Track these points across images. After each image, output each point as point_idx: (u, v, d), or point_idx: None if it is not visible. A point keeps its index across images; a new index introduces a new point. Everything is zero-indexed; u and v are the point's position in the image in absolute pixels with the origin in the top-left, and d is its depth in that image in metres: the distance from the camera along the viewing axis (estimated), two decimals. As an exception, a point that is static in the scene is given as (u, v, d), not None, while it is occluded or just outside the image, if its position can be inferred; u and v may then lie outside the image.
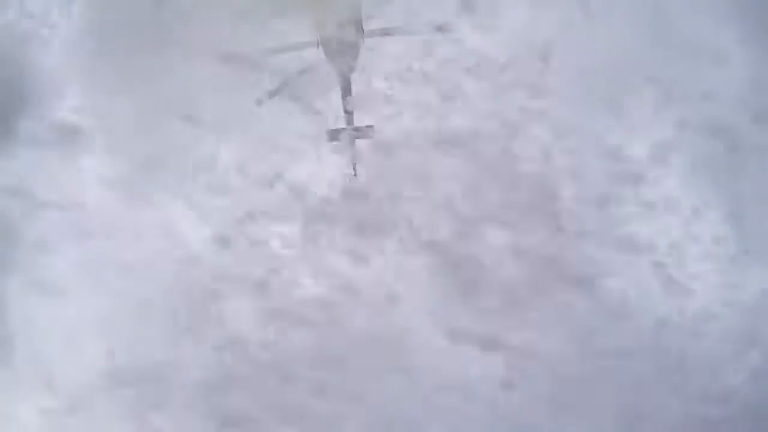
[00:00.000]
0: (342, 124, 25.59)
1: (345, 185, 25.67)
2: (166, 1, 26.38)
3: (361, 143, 25.84)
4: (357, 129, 24.73)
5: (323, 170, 26.00)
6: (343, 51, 23.18)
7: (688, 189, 28.70)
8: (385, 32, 23.35)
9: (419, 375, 26.34)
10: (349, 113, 24.25)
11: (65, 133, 28.71)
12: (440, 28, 23.66)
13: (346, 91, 23.97)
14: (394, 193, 26.26)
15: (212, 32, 27.44)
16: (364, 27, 23.20)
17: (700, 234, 28.74)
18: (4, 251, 29.07)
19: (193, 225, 27.58)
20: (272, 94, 24.31)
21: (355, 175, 24.13)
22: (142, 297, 27.31)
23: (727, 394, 26.46)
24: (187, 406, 27.28)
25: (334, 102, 24.78)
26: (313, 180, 26.55)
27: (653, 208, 29.11)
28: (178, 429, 26.32)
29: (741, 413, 25.70)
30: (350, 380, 26.05)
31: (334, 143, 25.77)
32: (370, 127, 25.03)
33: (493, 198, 26.52)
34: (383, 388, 26.46)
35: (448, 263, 26.42)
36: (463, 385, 27.24)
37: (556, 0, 28.05)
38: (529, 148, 28.39)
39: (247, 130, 27.08)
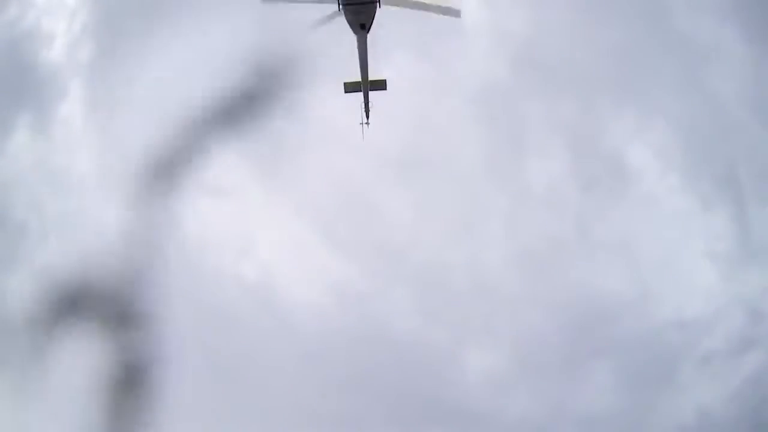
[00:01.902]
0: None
1: None
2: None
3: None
4: (372, 81, 25.07)
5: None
6: (361, 9, 23.92)
7: (688, 188, 28.31)
8: (402, 3, 23.93)
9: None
10: (364, 68, 25.00)
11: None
12: (453, 12, 24.11)
13: (362, 45, 24.67)
14: None
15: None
16: None
17: (701, 233, 28.44)
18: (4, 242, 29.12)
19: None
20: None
21: (368, 123, 25.14)
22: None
23: (728, 392, 26.19)
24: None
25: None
26: None
27: (654, 206, 28.81)
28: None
29: (741, 412, 25.50)
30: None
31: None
32: (383, 80, 25.10)
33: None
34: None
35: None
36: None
37: (558, 1, 27.97)
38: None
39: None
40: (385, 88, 26.41)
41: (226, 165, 32.81)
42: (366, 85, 26.55)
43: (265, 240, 33.09)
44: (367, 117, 26.83)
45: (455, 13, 24.64)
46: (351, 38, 25.12)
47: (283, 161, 32.64)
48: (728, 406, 29.16)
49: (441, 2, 25.01)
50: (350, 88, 26.60)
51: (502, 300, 30.91)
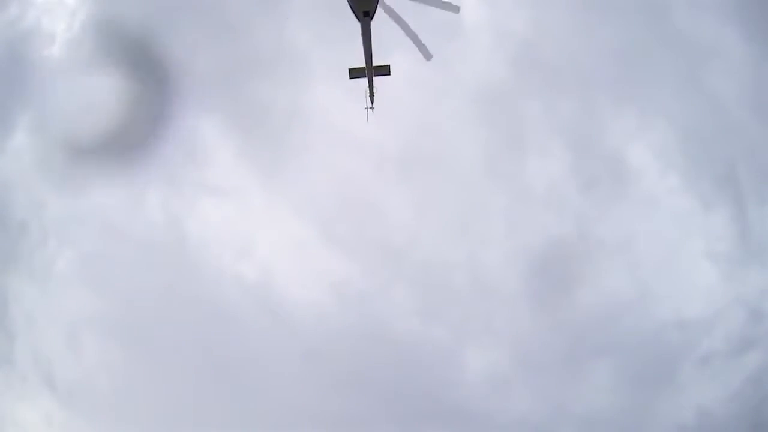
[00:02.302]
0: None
1: None
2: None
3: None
4: (376, 67, 26.23)
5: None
6: None
7: (688, 188, 28.23)
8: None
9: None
10: (368, 54, 25.54)
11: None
12: (452, 8, 24.83)
13: (366, 32, 24.87)
14: None
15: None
16: None
17: (701, 233, 28.35)
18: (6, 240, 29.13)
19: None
20: None
21: (372, 108, 25.77)
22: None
23: (728, 392, 26.13)
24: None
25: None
26: None
27: (654, 206, 28.73)
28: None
29: (741, 412, 25.42)
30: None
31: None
32: (386, 65, 26.25)
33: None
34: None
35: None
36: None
37: (558, 1, 27.92)
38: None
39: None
40: (389, 74, 27.10)
41: (227, 165, 32.81)
42: (370, 71, 27.30)
43: (265, 240, 33.09)
44: (372, 102, 27.44)
45: (454, 9, 25.09)
46: (353, 28, 25.52)
47: (283, 161, 32.64)
48: (728, 406, 29.16)
49: None
50: (355, 74, 27.34)
51: (502, 300, 30.93)
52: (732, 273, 30.01)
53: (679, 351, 30.26)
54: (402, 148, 32.28)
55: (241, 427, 30.90)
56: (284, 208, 32.62)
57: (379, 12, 24.67)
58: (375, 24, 25.12)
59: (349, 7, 24.69)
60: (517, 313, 30.64)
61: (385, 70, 27.09)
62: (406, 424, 30.63)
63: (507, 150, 31.35)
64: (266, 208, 32.65)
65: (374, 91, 27.16)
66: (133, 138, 31.68)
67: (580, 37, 30.90)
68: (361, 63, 26.43)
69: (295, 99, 31.88)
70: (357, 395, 30.66)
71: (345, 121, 31.76)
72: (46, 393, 31.35)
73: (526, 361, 30.23)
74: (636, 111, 31.13)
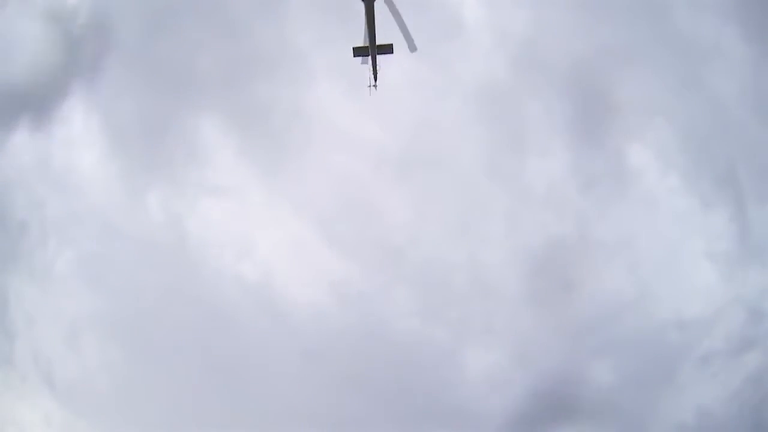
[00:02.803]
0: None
1: None
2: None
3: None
4: (379, 46, 27.66)
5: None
6: None
7: (688, 188, 28.12)
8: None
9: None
10: (372, 33, 26.84)
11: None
12: (412, 46, 26.14)
13: (370, 13, 26.21)
14: None
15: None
16: None
17: (701, 233, 28.25)
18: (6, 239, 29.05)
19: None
20: None
21: (376, 85, 27.30)
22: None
23: (727, 392, 26.05)
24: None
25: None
26: None
27: (654, 206, 28.62)
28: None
29: (741, 413, 25.35)
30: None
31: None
32: (389, 44, 27.50)
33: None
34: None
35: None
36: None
37: (558, 1, 27.90)
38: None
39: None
40: (392, 52, 27.94)
41: (227, 165, 32.79)
42: (373, 50, 28.03)
43: (265, 240, 33.09)
44: (375, 80, 28.13)
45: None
46: (357, 13, 25.89)
47: (283, 161, 32.63)
48: (728, 406, 29.11)
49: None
50: (359, 52, 28.23)
51: (502, 300, 30.90)
52: (732, 273, 29.96)
53: (679, 351, 30.20)
54: (402, 148, 32.32)
55: (241, 427, 30.87)
56: (284, 208, 32.66)
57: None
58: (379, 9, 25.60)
59: None
60: (517, 313, 30.66)
61: (387, 49, 28.05)
62: (406, 424, 30.60)
63: (507, 150, 31.38)
64: (266, 208, 32.68)
65: (377, 69, 27.91)
66: (132, 137, 31.71)
67: (580, 37, 30.89)
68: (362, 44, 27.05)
69: (296, 99, 31.92)
70: (357, 395, 30.62)
71: (345, 121, 31.76)
72: (46, 393, 31.36)
73: (526, 361, 30.19)
74: (636, 111, 31.10)
